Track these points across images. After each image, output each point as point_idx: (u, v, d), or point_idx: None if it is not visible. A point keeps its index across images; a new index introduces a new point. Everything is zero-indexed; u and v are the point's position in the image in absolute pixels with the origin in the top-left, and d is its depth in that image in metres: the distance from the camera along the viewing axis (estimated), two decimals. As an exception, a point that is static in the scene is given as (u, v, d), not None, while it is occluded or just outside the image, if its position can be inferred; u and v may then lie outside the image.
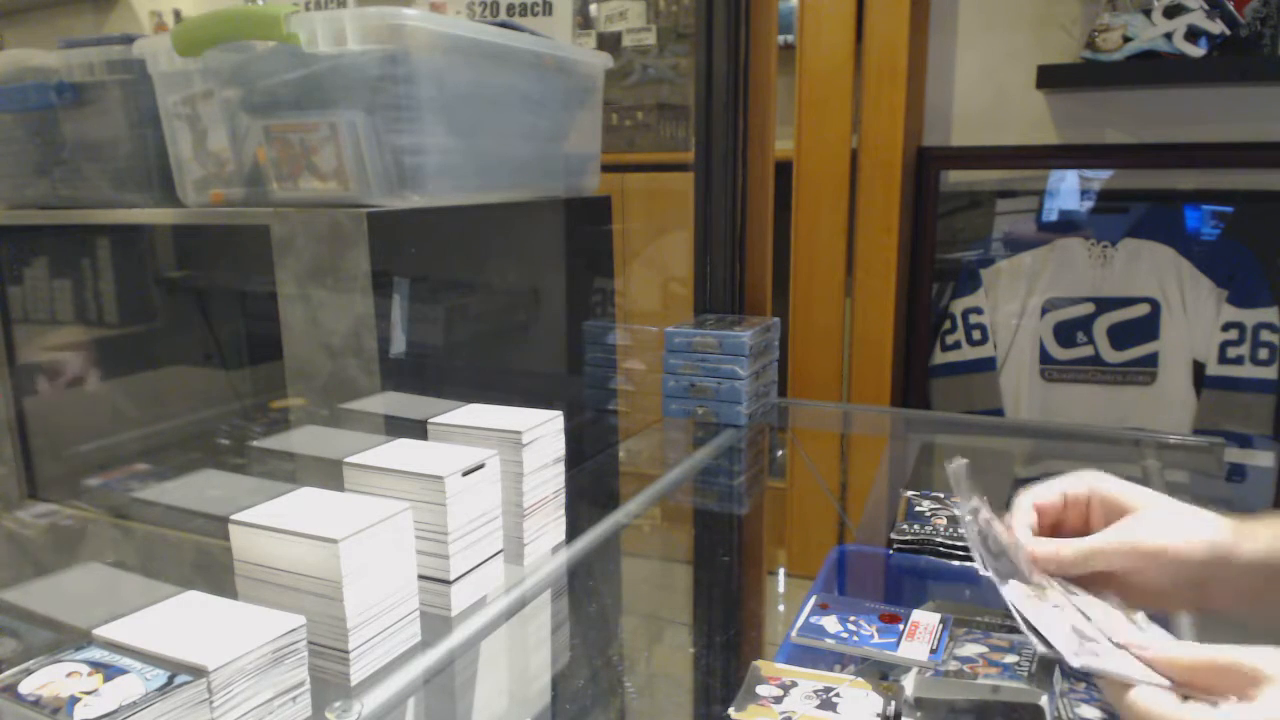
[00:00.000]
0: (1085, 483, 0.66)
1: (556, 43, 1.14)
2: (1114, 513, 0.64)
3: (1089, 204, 1.80)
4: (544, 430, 0.82)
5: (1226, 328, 1.70)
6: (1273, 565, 0.60)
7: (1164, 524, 0.62)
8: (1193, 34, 1.55)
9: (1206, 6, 1.53)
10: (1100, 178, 1.79)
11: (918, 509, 0.99)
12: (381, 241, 0.85)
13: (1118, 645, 0.55)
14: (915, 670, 0.65)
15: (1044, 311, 1.82)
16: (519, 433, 0.79)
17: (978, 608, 0.77)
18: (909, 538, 0.92)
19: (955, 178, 1.90)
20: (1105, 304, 1.78)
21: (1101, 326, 1.79)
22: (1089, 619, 0.58)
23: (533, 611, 0.80)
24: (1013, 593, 0.58)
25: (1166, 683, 0.51)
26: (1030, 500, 0.66)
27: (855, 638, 0.70)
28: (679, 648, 0.90)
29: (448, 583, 0.72)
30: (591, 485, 1.16)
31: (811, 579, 0.95)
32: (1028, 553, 0.63)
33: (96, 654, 0.53)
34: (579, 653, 0.82)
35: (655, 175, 2.23)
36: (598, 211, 1.26)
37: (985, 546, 0.61)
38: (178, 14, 2.64)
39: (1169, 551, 0.61)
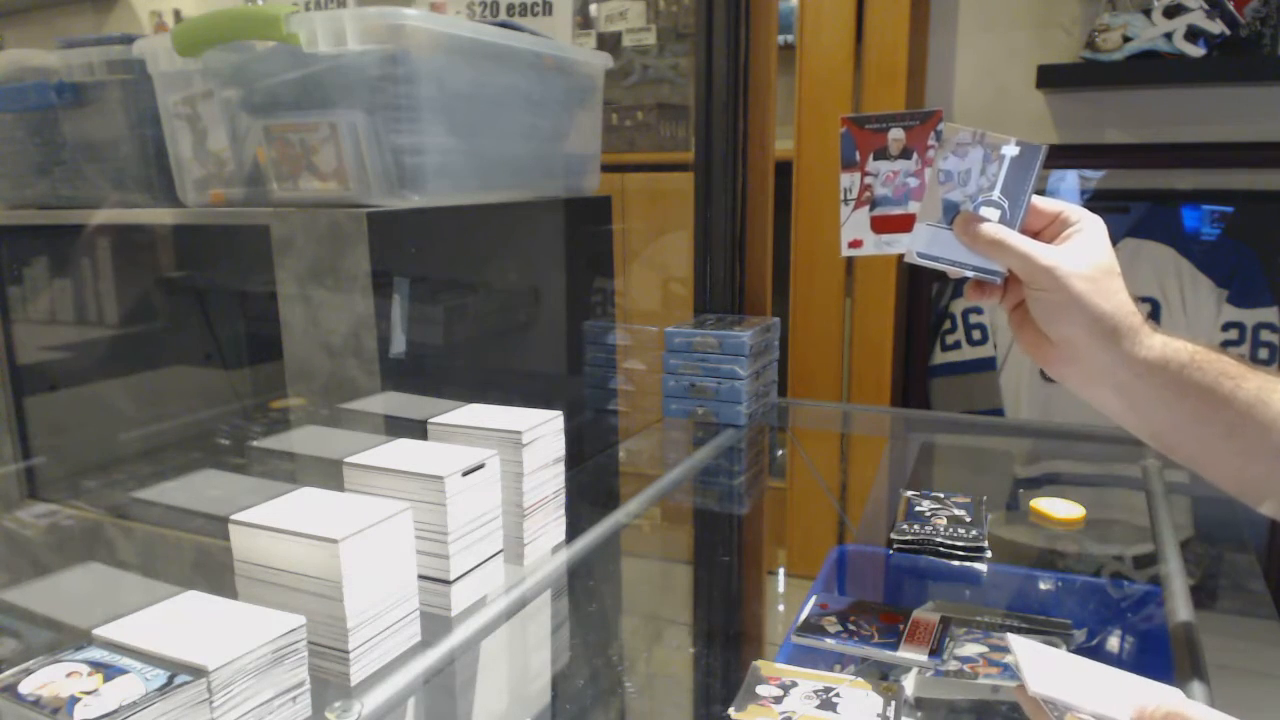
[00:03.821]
0: (1058, 206, 0.67)
1: (556, 43, 1.14)
2: (1061, 229, 0.66)
3: (1089, 204, 1.80)
4: (544, 430, 0.82)
5: (1226, 328, 1.70)
6: (1154, 363, 0.62)
7: (1078, 256, 0.63)
8: (1193, 34, 1.55)
9: (1206, 6, 1.53)
10: (1100, 177, 1.79)
11: (918, 509, 0.99)
12: (381, 241, 0.85)
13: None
14: (915, 670, 0.65)
15: (1044, 311, 1.82)
16: (519, 433, 0.79)
17: (978, 608, 0.77)
18: (909, 538, 0.92)
19: (955, 178, 1.89)
20: (1105, 304, 1.78)
21: (1101, 326, 1.78)
22: None
23: (533, 611, 0.80)
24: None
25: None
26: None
27: (855, 638, 0.70)
28: (679, 648, 0.90)
29: (448, 583, 0.72)
30: (591, 485, 1.16)
31: (811, 579, 0.95)
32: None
33: (96, 654, 0.53)
34: (579, 653, 0.82)
35: (655, 175, 2.23)
36: (598, 211, 1.26)
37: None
38: (178, 14, 2.63)
39: (1057, 272, 0.62)
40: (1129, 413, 0.66)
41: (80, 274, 1.20)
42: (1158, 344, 0.63)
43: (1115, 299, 0.63)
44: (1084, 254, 0.63)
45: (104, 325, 1.23)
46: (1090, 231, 0.64)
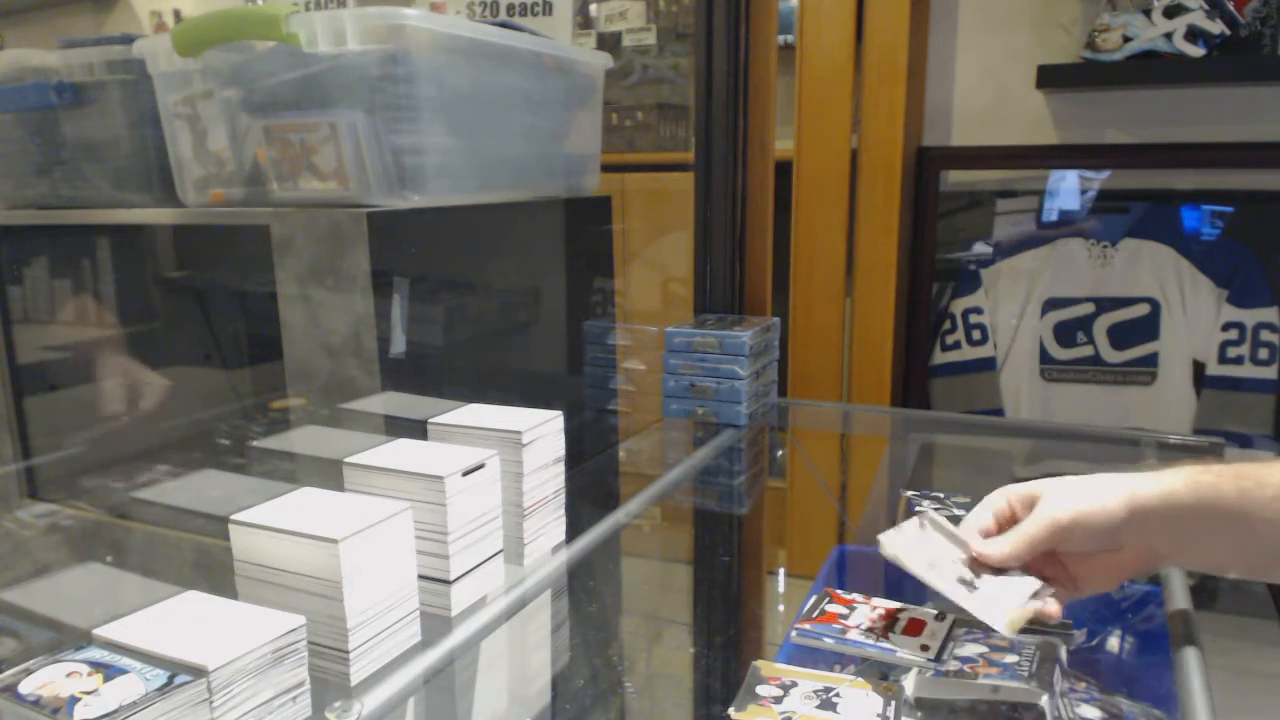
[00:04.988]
0: (1001, 495, 0.71)
1: (556, 43, 1.14)
2: (1031, 507, 0.69)
3: (1089, 204, 1.80)
4: (544, 430, 0.82)
5: (1226, 328, 1.70)
6: (1175, 501, 0.63)
7: (1073, 494, 0.66)
8: (1193, 34, 1.55)
9: (1206, 6, 1.53)
10: (1100, 178, 1.79)
11: (918, 509, 0.99)
12: (381, 241, 0.85)
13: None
14: (915, 670, 0.65)
15: (1044, 311, 1.82)
16: (519, 433, 0.79)
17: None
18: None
19: (955, 178, 1.90)
20: (1105, 304, 1.78)
21: (1101, 326, 1.79)
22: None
23: (533, 611, 0.80)
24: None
25: None
26: (973, 527, 0.72)
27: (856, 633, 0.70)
28: (679, 648, 0.90)
29: (448, 583, 0.72)
30: (591, 485, 1.16)
31: (811, 579, 0.95)
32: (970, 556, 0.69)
33: (96, 654, 0.53)
34: (579, 653, 0.82)
35: (655, 175, 2.23)
36: (598, 211, 1.26)
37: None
38: (178, 14, 2.64)
39: (1083, 516, 0.64)
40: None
41: (80, 274, 1.20)
42: (1163, 481, 0.64)
43: (1110, 485, 0.65)
44: (1051, 499, 0.67)
45: (104, 325, 1.23)
46: (1048, 493, 0.68)
